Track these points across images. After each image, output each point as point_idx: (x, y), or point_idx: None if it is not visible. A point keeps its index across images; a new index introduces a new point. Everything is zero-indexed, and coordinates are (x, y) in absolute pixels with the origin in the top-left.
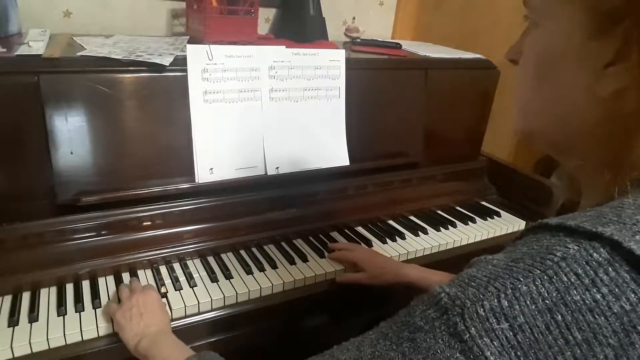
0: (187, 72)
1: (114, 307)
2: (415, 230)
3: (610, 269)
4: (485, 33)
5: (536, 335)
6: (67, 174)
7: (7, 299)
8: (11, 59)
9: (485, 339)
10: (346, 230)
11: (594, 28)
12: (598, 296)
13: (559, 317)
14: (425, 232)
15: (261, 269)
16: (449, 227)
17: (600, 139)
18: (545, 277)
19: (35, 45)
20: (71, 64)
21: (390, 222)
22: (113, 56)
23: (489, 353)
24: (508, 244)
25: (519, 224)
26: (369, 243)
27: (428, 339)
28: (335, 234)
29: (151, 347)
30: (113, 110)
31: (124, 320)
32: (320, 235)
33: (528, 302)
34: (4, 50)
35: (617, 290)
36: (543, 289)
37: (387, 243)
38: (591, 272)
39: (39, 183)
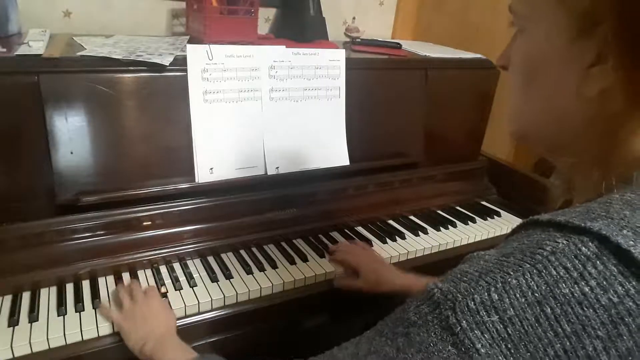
0: (187, 72)
1: (116, 314)
2: (415, 230)
3: (598, 262)
4: (485, 33)
5: (526, 327)
6: (67, 174)
7: (7, 299)
8: (11, 59)
9: (476, 331)
10: (346, 230)
11: (575, 30)
12: (586, 289)
13: (548, 309)
14: (425, 232)
15: (261, 269)
16: (449, 227)
17: (589, 138)
18: (535, 270)
19: (35, 45)
20: (71, 64)
21: (390, 222)
22: (113, 56)
23: (479, 345)
24: (501, 241)
25: None
26: (369, 243)
27: (421, 333)
28: (335, 234)
29: (156, 350)
30: (113, 110)
31: (128, 326)
32: (320, 235)
33: (518, 295)
34: (4, 50)
35: (605, 283)
36: (532, 282)
37: (387, 243)
38: (580, 265)
39: (39, 183)
